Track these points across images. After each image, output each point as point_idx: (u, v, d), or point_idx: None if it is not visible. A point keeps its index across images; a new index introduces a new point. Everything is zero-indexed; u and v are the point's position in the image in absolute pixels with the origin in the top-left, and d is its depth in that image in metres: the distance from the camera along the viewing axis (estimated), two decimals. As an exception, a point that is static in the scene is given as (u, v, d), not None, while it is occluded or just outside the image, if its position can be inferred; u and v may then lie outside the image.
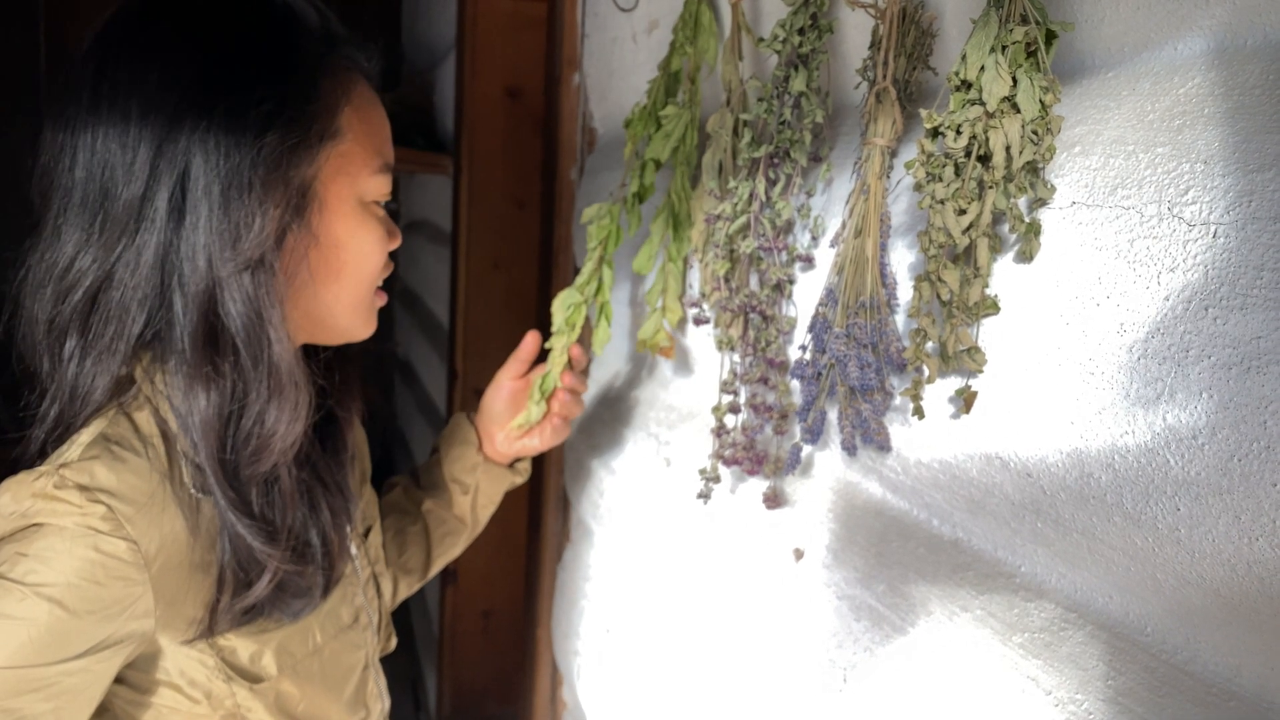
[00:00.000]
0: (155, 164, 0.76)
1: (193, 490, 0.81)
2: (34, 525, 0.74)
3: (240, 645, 0.85)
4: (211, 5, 0.80)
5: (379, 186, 0.87)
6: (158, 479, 0.79)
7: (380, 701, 1.05)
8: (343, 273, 0.86)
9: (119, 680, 0.82)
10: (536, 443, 1.20)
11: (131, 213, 0.77)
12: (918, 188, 0.70)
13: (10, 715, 0.71)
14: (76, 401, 0.81)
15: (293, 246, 0.81)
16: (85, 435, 0.79)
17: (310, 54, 0.81)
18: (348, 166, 0.84)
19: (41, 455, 0.82)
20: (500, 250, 2.48)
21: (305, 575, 0.87)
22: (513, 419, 1.19)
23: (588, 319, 1.17)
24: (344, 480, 0.96)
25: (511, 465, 1.24)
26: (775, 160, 0.91)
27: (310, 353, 0.91)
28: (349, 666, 0.97)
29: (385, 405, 3.88)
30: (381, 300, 0.94)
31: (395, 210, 3.96)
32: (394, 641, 1.11)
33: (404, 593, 1.19)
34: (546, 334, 1.18)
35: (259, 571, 0.82)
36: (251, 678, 0.86)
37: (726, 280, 0.96)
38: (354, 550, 1.00)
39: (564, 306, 1.16)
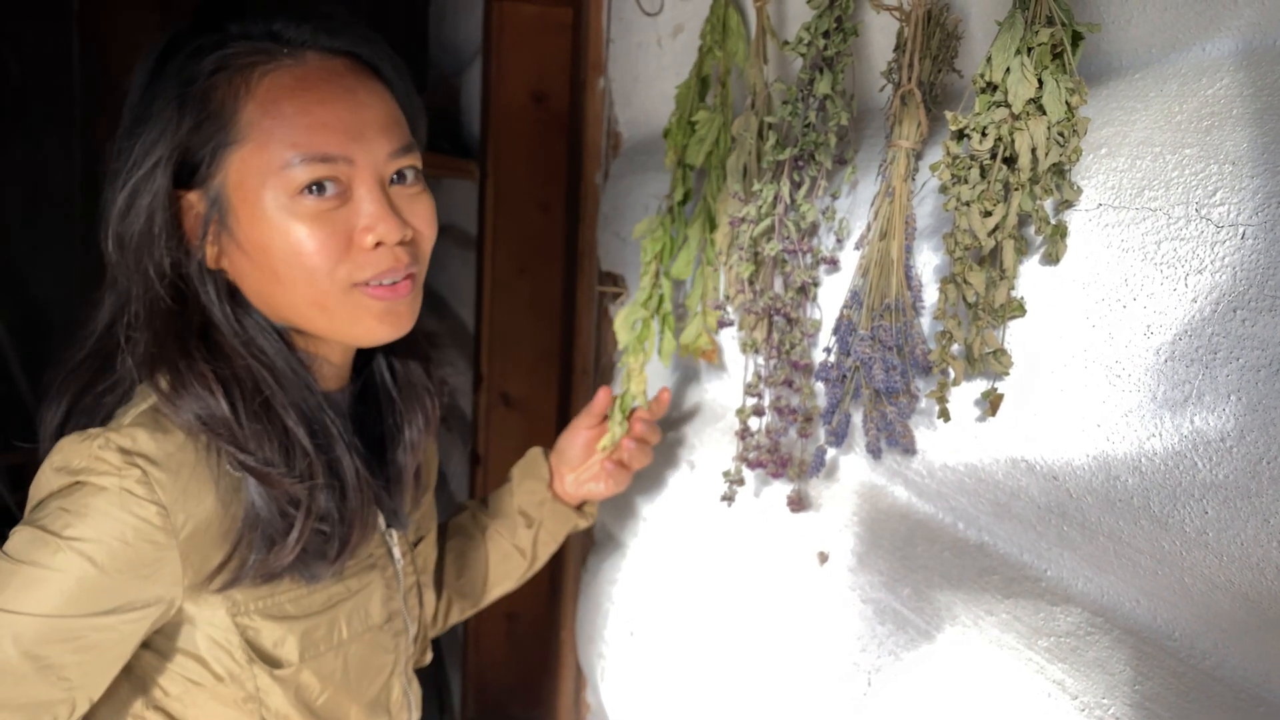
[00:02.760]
0: (131, 204, 0.84)
1: (229, 467, 0.84)
2: (78, 483, 0.79)
3: (264, 627, 0.87)
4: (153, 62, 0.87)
5: (296, 179, 0.82)
6: (200, 452, 0.83)
7: (407, 713, 1.05)
8: (279, 275, 0.85)
9: (146, 646, 0.85)
10: (602, 488, 1.20)
11: (127, 254, 0.86)
12: (943, 190, 0.70)
13: (38, 661, 0.75)
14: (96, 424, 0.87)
15: (231, 256, 0.86)
16: (143, 405, 0.84)
17: (198, 73, 0.83)
18: (253, 170, 0.83)
19: None
20: (525, 254, 2.48)
21: (326, 537, 0.89)
22: (584, 464, 1.20)
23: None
24: (379, 455, 0.99)
25: (579, 508, 1.24)
26: (800, 163, 0.91)
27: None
28: (375, 668, 0.97)
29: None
30: (388, 296, 0.87)
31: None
32: (429, 656, 1.12)
33: (456, 616, 1.21)
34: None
35: (283, 531, 0.85)
36: (273, 662, 0.88)
37: (751, 283, 0.96)
38: (398, 553, 1.01)
39: (628, 324, 1.16)
